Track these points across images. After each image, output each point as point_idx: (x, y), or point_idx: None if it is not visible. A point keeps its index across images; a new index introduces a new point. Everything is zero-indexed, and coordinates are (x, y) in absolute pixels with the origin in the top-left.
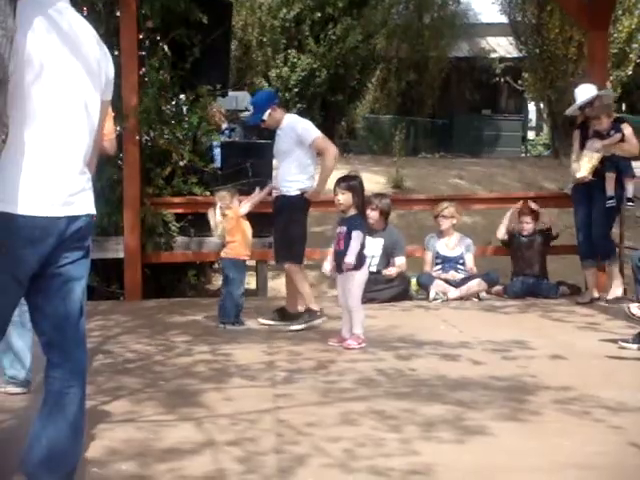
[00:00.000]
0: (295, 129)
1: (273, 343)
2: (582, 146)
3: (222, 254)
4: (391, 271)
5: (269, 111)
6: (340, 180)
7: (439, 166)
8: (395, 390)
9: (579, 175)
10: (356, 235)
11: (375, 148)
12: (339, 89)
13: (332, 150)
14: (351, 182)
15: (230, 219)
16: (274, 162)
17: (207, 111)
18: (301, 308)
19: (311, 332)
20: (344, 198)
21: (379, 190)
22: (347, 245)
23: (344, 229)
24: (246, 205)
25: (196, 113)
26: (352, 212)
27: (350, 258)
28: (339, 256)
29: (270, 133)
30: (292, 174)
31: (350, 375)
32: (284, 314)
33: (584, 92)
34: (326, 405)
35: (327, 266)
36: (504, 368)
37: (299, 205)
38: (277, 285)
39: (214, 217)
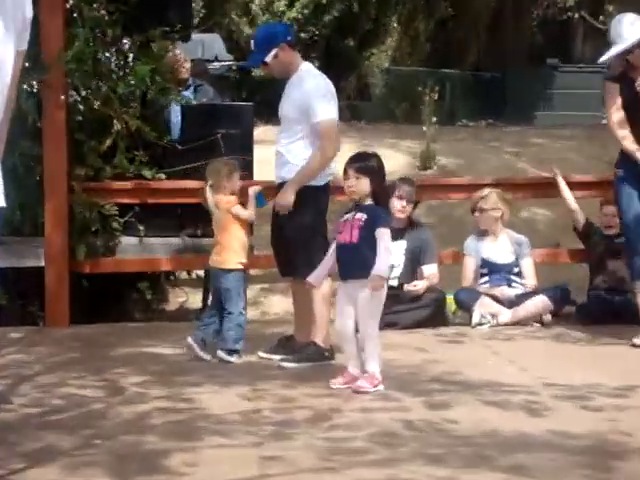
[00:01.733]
0: (307, 92)
1: (257, 384)
2: (626, 108)
3: (210, 262)
4: (418, 285)
5: (276, 51)
6: (353, 159)
7: (485, 138)
8: (426, 451)
9: None
10: (385, 233)
11: (397, 113)
12: (349, 31)
13: (330, 150)
14: (368, 162)
15: (223, 211)
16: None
17: (162, 61)
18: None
19: (309, 369)
20: (358, 184)
21: (400, 173)
22: (366, 239)
23: (363, 216)
24: (251, 211)
25: (146, 64)
26: (366, 202)
27: (382, 267)
28: (348, 253)
29: (257, 91)
30: (303, 153)
31: (363, 430)
32: (292, 345)
33: (629, 27)
34: (329, 472)
35: (315, 274)
36: (581, 422)
37: (316, 196)
38: (268, 303)
39: (210, 201)
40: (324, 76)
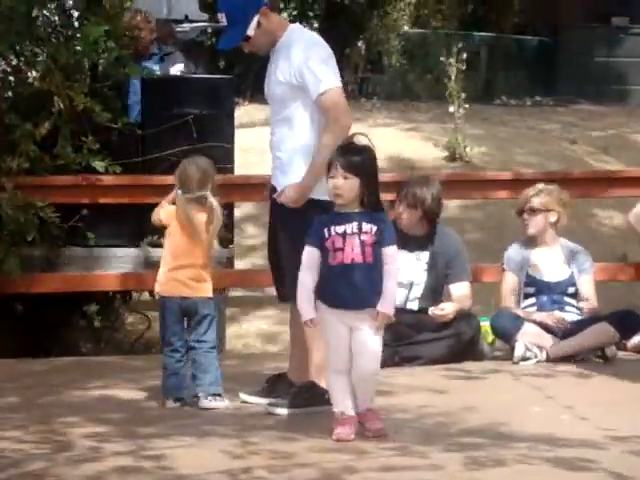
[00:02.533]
0: (300, 59)
1: (247, 437)
2: None
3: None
4: (446, 309)
5: (256, 19)
6: (342, 151)
7: (532, 120)
8: None
9: None
10: (396, 255)
11: (417, 89)
12: None
13: (344, 122)
14: (360, 158)
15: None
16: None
17: (117, 21)
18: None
19: (307, 416)
20: (346, 185)
21: (421, 165)
22: (379, 258)
23: (373, 228)
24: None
25: (97, 24)
26: (356, 209)
27: (392, 302)
28: (360, 276)
29: (237, 60)
30: (301, 147)
31: None
32: (283, 385)
33: None
34: None
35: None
36: None
37: (317, 206)
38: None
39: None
40: (318, 37)
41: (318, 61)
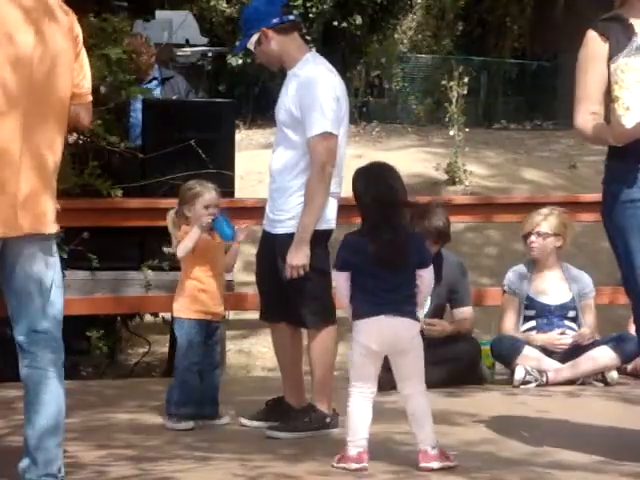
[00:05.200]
0: (300, 96)
1: (250, 460)
2: None
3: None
4: (438, 326)
5: (257, 36)
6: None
7: (531, 144)
8: None
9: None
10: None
11: (418, 112)
12: (355, 6)
13: (328, 169)
14: (354, 183)
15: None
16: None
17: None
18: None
19: (311, 438)
20: None
21: (419, 188)
22: None
23: None
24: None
25: (99, 49)
26: None
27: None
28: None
29: (236, 84)
30: (302, 178)
31: None
32: (282, 409)
33: None
34: None
35: None
36: None
37: (319, 238)
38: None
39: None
40: (330, 69)
41: (326, 95)
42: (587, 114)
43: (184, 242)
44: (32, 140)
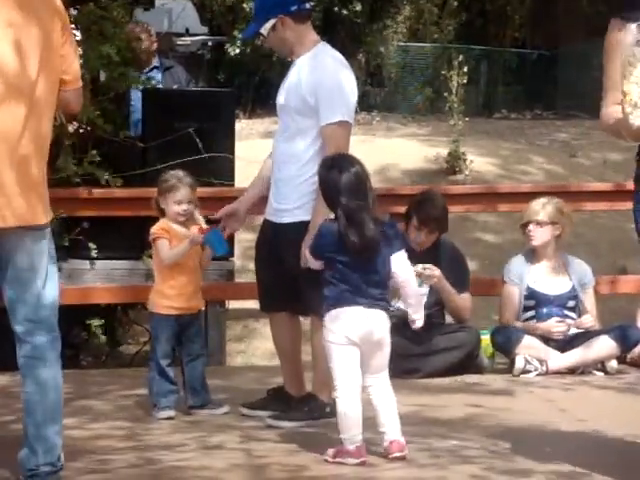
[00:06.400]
0: (324, 81)
1: (252, 449)
2: None
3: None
4: (433, 269)
5: (273, 21)
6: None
7: (531, 134)
8: None
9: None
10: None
11: (417, 101)
12: None
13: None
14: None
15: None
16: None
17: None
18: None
19: (311, 428)
20: None
21: (419, 177)
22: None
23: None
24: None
25: (99, 39)
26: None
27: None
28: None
29: (235, 73)
30: (312, 169)
31: None
32: (283, 398)
33: None
34: None
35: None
36: None
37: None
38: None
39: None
40: (342, 60)
41: (339, 82)
42: (613, 105)
43: (173, 253)
44: (20, 129)
